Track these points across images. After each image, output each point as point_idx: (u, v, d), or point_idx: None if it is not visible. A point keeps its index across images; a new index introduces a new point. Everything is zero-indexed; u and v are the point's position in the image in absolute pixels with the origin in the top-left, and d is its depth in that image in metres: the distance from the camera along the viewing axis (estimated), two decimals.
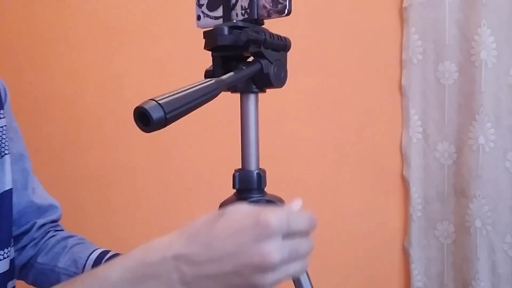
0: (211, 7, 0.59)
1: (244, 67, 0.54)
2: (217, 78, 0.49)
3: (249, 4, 0.56)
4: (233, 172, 0.61)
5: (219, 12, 0.58)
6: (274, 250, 0.44)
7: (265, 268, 0.44)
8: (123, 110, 1.49)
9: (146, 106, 0.42)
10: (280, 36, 0.58)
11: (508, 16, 1.22)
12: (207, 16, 0.59)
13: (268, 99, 1.33)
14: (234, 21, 0.57)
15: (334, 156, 1.41)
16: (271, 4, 0.54)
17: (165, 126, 0.44)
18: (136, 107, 0.43)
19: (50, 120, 1.57)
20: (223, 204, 0.60)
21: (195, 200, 1.46)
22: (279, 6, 0.53)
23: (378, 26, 1.35)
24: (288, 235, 0.46)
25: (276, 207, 0.52)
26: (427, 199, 1.34)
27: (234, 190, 0.61)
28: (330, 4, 1.36)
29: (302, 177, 1.42)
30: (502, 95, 1.24)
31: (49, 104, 1.57)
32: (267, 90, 0.59)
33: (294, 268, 0.47)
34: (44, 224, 0.81)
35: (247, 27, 0.54)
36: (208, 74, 0.58)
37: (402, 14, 1.31)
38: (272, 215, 0.45)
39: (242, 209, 0.48)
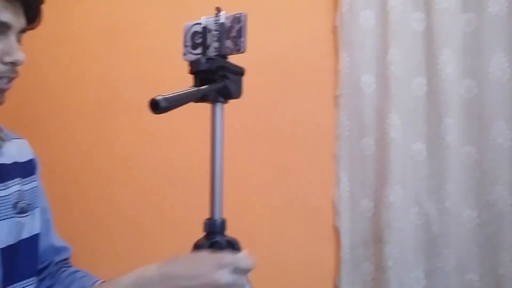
0: (193, 47, 0.82)
1: (214, 83, 0.78)
2: (198, 87, 0.76)
3: (219, 45, 0.79)
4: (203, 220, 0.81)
5: (199, 50, 0.81)
6: (225, 276, 0.71)
7: (217, 286, 0.71)
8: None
9: (157, 98, 0.65)
10: (238, 66, 0.82)
11: (410, 105, 1.53)
12: (190, 53, 0.83)
13: (235, 164, 1.62)
14: (209, 55, 0.80)
15: (282, 211, 1.65)
16: (232, 45, 0.79)
17: (167, 111, 0.66)
18: (151, 99, 0.65)
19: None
20: (197, 242, 0.78)
21: (178, 239, 1.70)
22: (237, 46, 0.78)
23: (318, 109, 1.64)
24: (235, 270, 0.72)
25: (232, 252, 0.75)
26: (354, 244, 1.59)
27: (204, 233, 0.80)
28: (284, 91, 1.65)
29: (254, 225, 1.65)
30: (407, 165, 1.53)
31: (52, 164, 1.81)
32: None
33: None
34: (58, 261, 1.03)
35: (217, 59, 0.78)
36: None
37: (335, 100, 1.62)
38: (227, 255, 0.74)
39: (207, 252, 0.76)
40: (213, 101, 0.80)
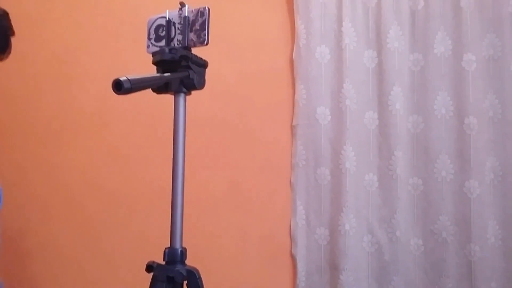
0: (157, 40, 0.84)
1: (177, 72, 0.79)
2: (161, 74, 0.77)
3: (182, 38, 0.80)
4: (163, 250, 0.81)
5: (163, 43, 0.83)
6: None
7: None
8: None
9: (121, 79, 0.65)
10: (201, 58, 0.83)
11: (363, 138, 1.59)
12: (154, 45, 0.84)
13: (193, 193, 1.61)
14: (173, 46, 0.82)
15: (240, 238, 1.64)
16: (196, 38, 0.80)
17: (130, 93, 0.66)
18: (115, 79, 0.65)
19: None
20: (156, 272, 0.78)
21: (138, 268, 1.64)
22: (201, 39, 0.80)
23: (276, 138, 1.66)
24: None
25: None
26: (309, 272, 1.60)
27: (164, 262, 0.80)
28: (243, 119, 1.66)
29: (212, 253, 1.63)
30: (360, 194, 1.58)
31: None
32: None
33: None
34: None
35: (180, 49, 0.79)
36: None
37: (292, 130, 1.64)
38: None
39: None
40: (176, 91, 0.80)
